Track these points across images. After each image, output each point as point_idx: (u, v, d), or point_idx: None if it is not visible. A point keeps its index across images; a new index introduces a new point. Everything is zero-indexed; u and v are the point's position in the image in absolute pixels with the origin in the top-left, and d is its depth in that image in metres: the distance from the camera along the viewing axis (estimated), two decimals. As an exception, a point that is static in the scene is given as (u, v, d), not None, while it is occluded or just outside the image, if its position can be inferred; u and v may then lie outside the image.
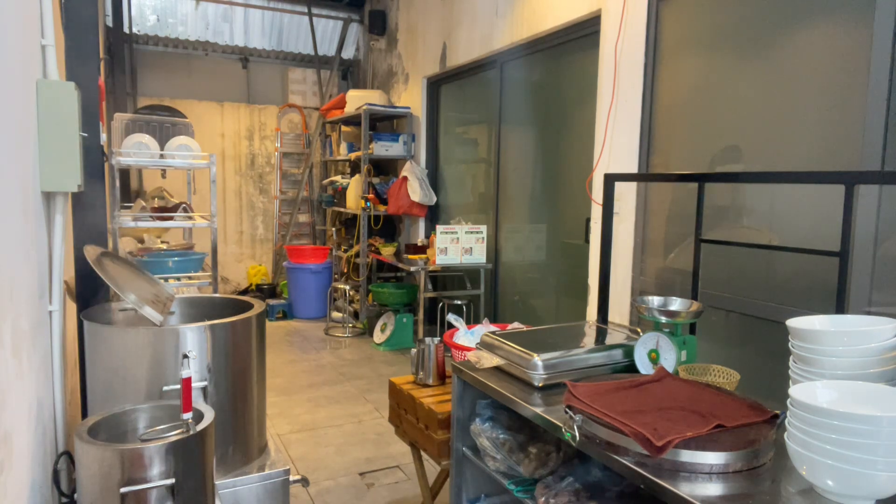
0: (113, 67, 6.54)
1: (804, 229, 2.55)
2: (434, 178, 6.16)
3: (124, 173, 6.54)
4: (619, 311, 3.44)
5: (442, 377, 2.58)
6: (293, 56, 7.79)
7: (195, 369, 1.88)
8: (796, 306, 2.53)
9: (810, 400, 1.19)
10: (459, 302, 5.33)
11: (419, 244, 5.62)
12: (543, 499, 1.73)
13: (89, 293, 2.27)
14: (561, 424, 1.53)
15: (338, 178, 7.20)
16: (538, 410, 1.65)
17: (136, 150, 3.67)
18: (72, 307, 2.36)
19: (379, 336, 5.81)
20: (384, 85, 7.07)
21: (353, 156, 6.61)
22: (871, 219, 2.26)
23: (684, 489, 1.21)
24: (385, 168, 6.91)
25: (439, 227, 4.99)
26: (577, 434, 1.45)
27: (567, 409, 1.53)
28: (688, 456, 1.28)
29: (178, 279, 3.78)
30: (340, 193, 7.11)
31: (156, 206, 4.22)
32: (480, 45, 4.99)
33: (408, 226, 6.55)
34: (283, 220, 7.82)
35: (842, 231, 1.61)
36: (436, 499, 2.65)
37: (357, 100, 6.41)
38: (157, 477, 1.44)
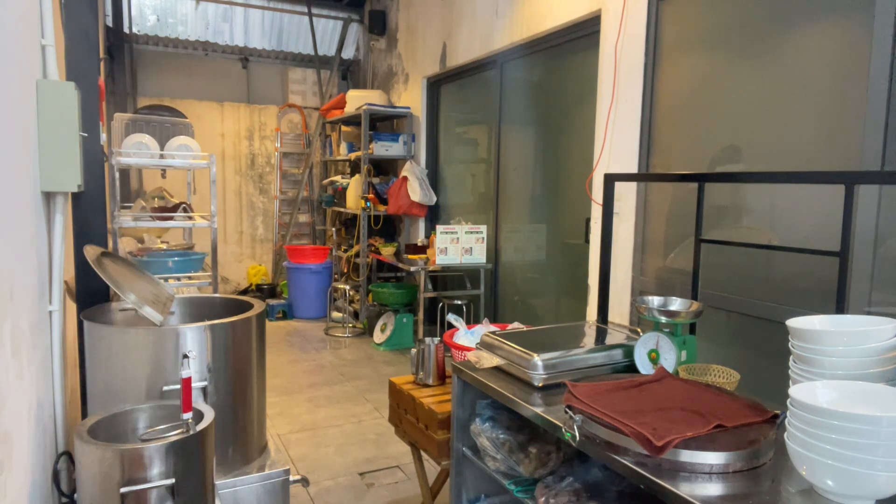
0: (113, 67, 6.54)
1: (804, 229, 2.55)
2: (434, 178, 6.16)
3: (124, 173, 6.54)
4: (619, 311, 3.44)
5: (442, 377, 2.58)
6: (293, 56, 7.79)
7: (195, 369, 1.88)
8: (796, 306, 2.53)
9: (810, 400, 1.19)
10: (459, 302, 5.33)
11: (419, 244, 5.62)
12: (543, 499, 1.73)
13: (89, 293, 2.27)
14: (561, 424, 1.53)
15: (338, 178, 7.21)
16: (538, 410, 1.65)
17: (136, 150, 3.67)
18: (72, 307, 2.37)
19: (379, 336, 5.81)
20: (384, 85, 7.07)
21: (353, 156, 6.61)
22: (871, 219, 2.26)
23: (684, 489, 1.21)
24: (385, 168, 6.91)
25: (439, 227, 4.99)
26: (577, 434, 1.45)
27: (567, 409, 1.53)
28: (688, 456, 1.28)
29: (178, 279, 3.78)
30: (340, 193, 7.11)
31: (156, 206, 4.22)
32: (480, 45, 4.99)
33: (408, 226, 6.55)
34: (283, 220, 7.82)
35: (842, 231, 1.61)
36: (436, 499, 2.65)
37: (357, 100, 6.41)
38: (157, 477, 1.44)
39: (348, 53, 8.01)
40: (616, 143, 3.50)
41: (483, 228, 5.06)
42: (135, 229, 4.17)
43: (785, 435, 1.22)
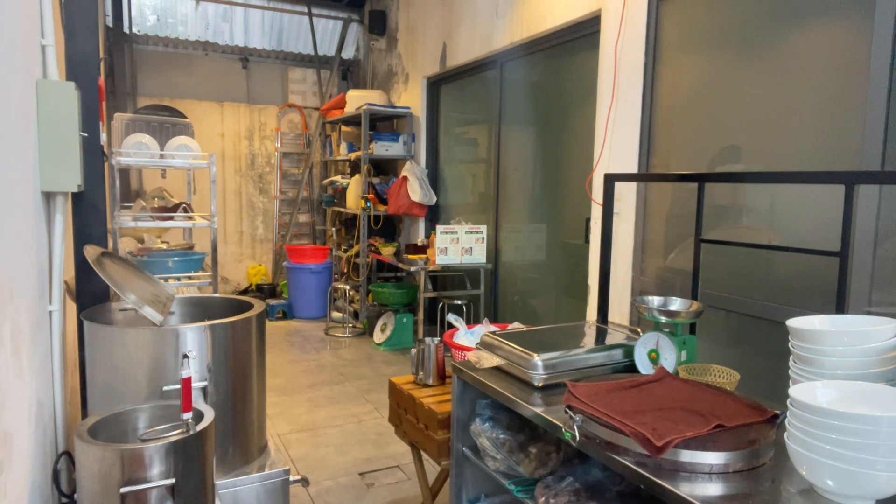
0: (113, 67, 6.54)
1: (804, 229, 2.55)
2: (434, 178, 6.16)
3: (124, 173, 6.54)
4: (619, 311, 3.44)
5: (442, 377, 2.58)
6: (293, 56, 7.78)
7: (195, 369, 1.88)
8: (796, 306, 2.53)
9: (810, 400, 1.19)
10: (459, 302, 5.33)
11: (419, 244, 5.62)
12: (543, 499, 1.73)
13: (89, 293, 2.27)
14: (561, 424, 1.53)
15: (338, 178, 7.21)
16: (538, 410, 1.65)
17: (136, 150, 3.67)
18: (72, 307, 2.36)
19: (379, 336, 5.81)
20: (384, 85, 7.07)
21: (353, 156, 6.61)
22: (871, 219, 2.26)
23: (684, 489, 1.21)
24: (385, 168, 6.91)
25: (439, 227, 4.99)
26: (577, 434, 1.45)
27: (567, 409, 1.53)
28: (688, 456, 1.28)
29: (178, 279, 3.78)
30: (340, 193, 7.11)
31: (156, 206, 4.22)
32: (480, 45, 4.99)
33: (408, 226, 6.55)
34: (283, 220, 7.82)
35: (842, 231, 1.61)
36: (436, 499, 2.65)
37: (357, 100, 6.41)
38: (157, 477, 1.44)
39: (348, 53, 8.01)
40: (616, 143, 3.50)
41: (483, 228, 5.06)
42: (135, 229, 4.17)
43: (785, 435, 1.22)
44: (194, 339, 1.87)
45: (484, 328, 2.72)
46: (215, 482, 1.80)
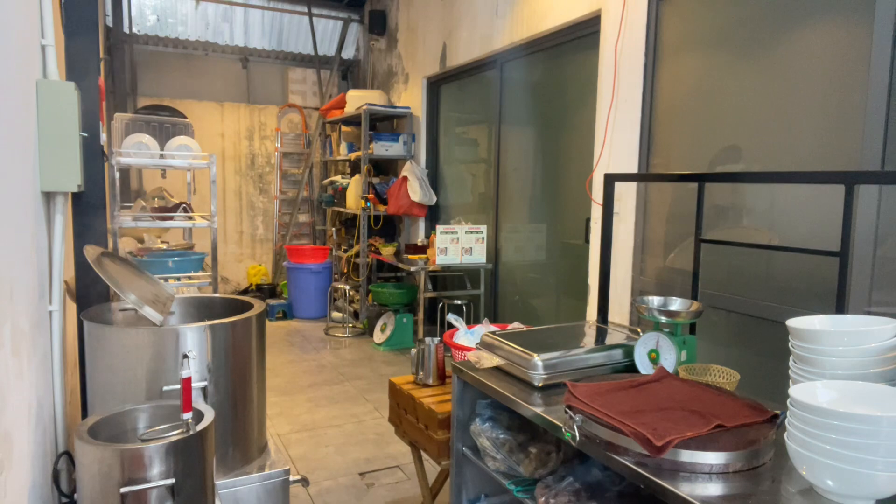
0: (113, 67, 6.54)
1: (804, 229, 2.55)
2: (434, 178, 6.16)
3: (124, 173, 6.54)
4: (619, 311, 3.44)
5: (442, 377, 2.58)
6: (293, 56, 7.79)
7: (195, 369, 1.88)
8: (796, 306, 2.53)
9: (810, 400, 1.19)
10: (459, 302, 5.33)
11: (419, 244, 5.62)
12: (543, 499, 1.73)
13: (89, 293, 2.27)
14: (561, 424, 1.53)
15: (338, 178, 7.21)
16: (538, 410, 1.65)
17: (136, 150, 3.67)
18: (72, 307, 2.37)
19: (379, 336, 5.81)
20: (384, 85, 7.07)
21: (353, 156, 6.61)
22: (871, 219, 2.26)
23: (684, 489, 1.21)
24: (385, 168, 6.91)
25: (439, 227, 4.98)
26: (577, 434, 1.45)
27: (567, 409, 1.53)
28: (688, 456, 1.28)
29: (178, 279, 3.78)
30: (340, 193, 7.11)
31: (156, 206, 4.22)
32: (480, 45, 4.99)
33: (408, 226, 6.55)
34: (283, 220, 7.82)
35: (842, 231, 1.61)
36: (436, 499, 2.65)
37: (357, 100, 6.41)
38: (157, 477, 1.44)
39: (348, 53, 8.01)
40: (616, 143, 3.50)
41: (483, 228, 5.06)
42: (135, 229, 4.17)
43: (785, 435, 1.22)
44: (194, 339, 1.87)
45: (484, 328, 2.72)
46: (215, 482, 1.80)
